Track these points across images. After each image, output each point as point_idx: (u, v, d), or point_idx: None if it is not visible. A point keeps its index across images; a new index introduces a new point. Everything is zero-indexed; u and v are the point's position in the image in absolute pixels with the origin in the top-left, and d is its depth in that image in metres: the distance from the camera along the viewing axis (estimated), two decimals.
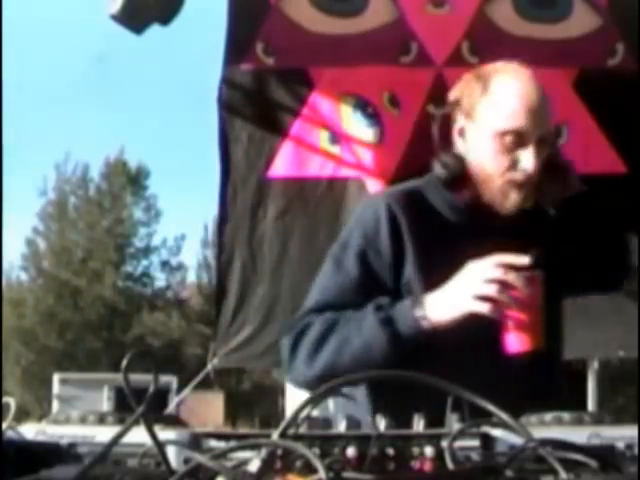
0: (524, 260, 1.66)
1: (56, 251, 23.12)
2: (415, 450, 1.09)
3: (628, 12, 3.95)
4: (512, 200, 1.82)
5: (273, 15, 4.10)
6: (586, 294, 1.92)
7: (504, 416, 1.10)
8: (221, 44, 4.09)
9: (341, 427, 1.16)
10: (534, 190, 1.82)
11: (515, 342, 1.67)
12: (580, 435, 1.15)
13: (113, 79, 34.23)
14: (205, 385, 4.86)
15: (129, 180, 23.62)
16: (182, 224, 43.95)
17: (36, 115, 34.73)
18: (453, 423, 1.17)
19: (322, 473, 0.97)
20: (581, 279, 1.89)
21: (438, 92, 4.05)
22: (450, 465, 1.05)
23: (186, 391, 4.68)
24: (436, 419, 1.19)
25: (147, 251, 24.20)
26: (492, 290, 1.66)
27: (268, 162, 4.10)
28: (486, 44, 4.04)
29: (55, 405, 12.26)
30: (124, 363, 1.10)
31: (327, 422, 1.18)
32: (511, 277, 1.66)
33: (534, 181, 1.81)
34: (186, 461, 1.15)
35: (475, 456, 1.10)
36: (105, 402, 11.15)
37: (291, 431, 1.10)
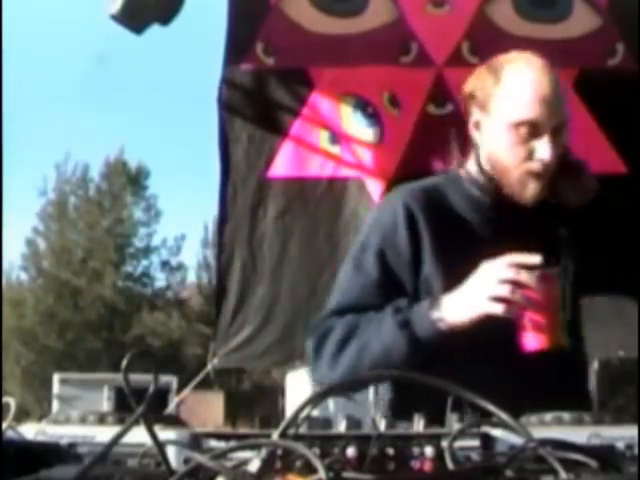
0: (536, 259, 1.66)
1: (56, 251, 23.12)
2: (415, 450, 1.09)
3: (628, 12, 3.95)
4: (531, 190, 1.82)
5: (273, 15, 4.10)
6: (606, 293, 1.90)
7: (504, 416, 1.10)
8: (221, 44, 4.09)
9: (341, 427, 1.17)
10: (552, 183, 1.82)
11: (532, 340, 1.66)
12: (580, 435, 1.15)
13: (113, 79, 34.27)
14: (205, 385, 4.86)
15: (129, 180, 23.62)
16: (182, 224, 44.01)
17: (36, 115, 34.74)
18: (453, 423, 1.18)
19: (322, 473, 0.97)
20: (600, 278, 1.87)
21: (438, 92, 4.06)
22: (450, 465, 1.05)
23: (186, 391, 4.68)
24: (435, 419, 1.20)
25: (147, 251, 24.20)
26: (505, 290, 1.66)
27: (268, 162, 4.10)
28: (486, 44, 4.04)
29: (55, 405, 12.25)
30: (124, 363, 1.10)
31: (327, 422, 1.18)
32: (523, 276, 1.65)
33: (551, 170, 1.81)
34: (186, 461, 1.15)
35: (475, 456, 1.10)
36: (105, 402, 11.15)
37: (291, 431, 1.10)
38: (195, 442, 1.19)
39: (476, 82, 1.90)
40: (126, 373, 1.10)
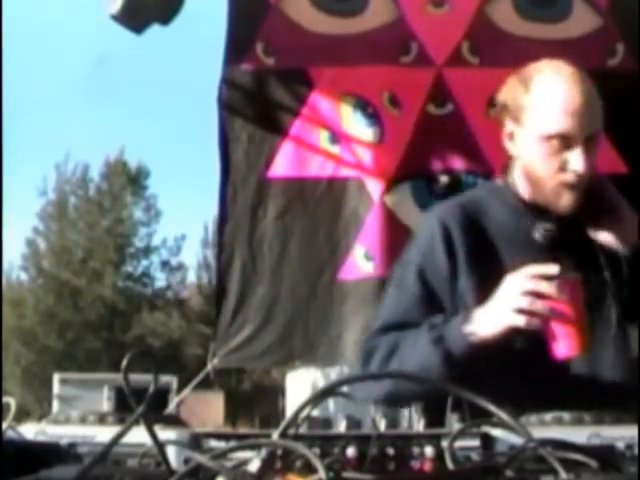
0: (554, 269, 1.66)
1: (56, 251, 23.10)
2: (415, 450, 1.09)
3: (628, 12, 3.95)
4: (566, 201, 1.82)
5: (273, 15, 4.10)
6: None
7: (504, 416, 1.10)
8: (221, 44, 4.10)
9: (341, 427, 1.17)
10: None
11: (561, 348, 1.67)
12: (580, 435, 1.15)
13: (113, 79, 34.22)
14: (205, 385, 4.85)
15: (129, 180, 23.60)
16: (182, 224, 43.94)
17: (36, 115, 34.72)
18: (453, 423, 1.18)
19: (322, 473, 0.97)
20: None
21: (438, 92, 4.06)
22: (450, 465, 1.05)
23: (186, 391, 4.68)
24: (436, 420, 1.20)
25: (147, 251, 24.18)
26: (526, 302, 1.67)
27: (268, 162, 4.10)
28: (486, 44, 4.05)
29: (55, 405, 12.24)
30: (124, 363, 1.10)
31: (327, 422, 1.19)
32: (543, 286, 1.66)
33: (586, 180, 1.81)
34: (186, 461, 1.15)
35: (475, 456, 1.10)
36: (105, 402, 11.14)
37: (291, 431, 1.10)
38: (195, 442, 1.19)
39: (507, 93, 1.90)
40: (126, 373, 1.10)
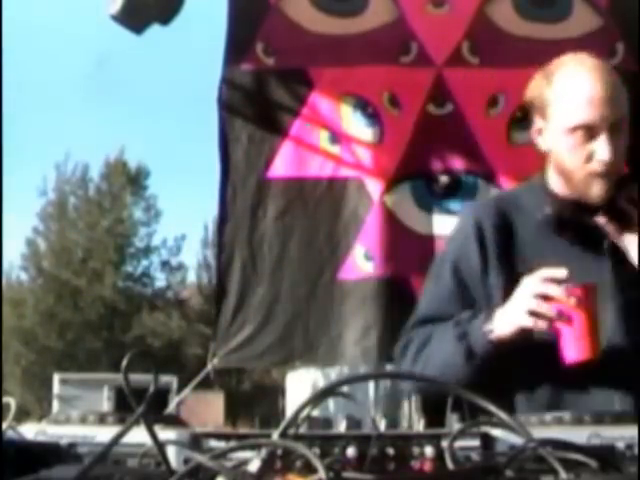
0: (562, 273, 1.67)
1: (56, 251, 23.10)
2: (415, 450, 1.09)
3: (628, 12, 3.95)
4: (596, 191, 1.84)
5: (273, 15, 4.10)
6: None
7: (504, 416, 1.10)
8: (221, 44, 4.09)
9: (341, 427, 1.17)
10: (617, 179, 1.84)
11: (571, 352, 1.67)
12: (580, 435, 1.15)
13: (113, 79, 34.21)
14: (205, 385, 4.85)
15: (129, 180, 23.60)
16: (182, 224, 43.98)
17: (36, 115, 34.71)
18: (453, 423, 1.17)
19: (322, 473, 0.97)
20: None
21: (438, 92, 4.06)
22: (450, 465, 1.05)
23: (186, 391, 4.68)
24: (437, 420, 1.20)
25: (147, 251, 24.18)
26: (536, 305, 1.68)
27: (268, 162, 4.10)
28: (486, 44, 4.05)
29: (55, 405, 12.24)
30: (124, 363, 1.10)
31: (327, 422, 1.19)
32: (552, 290, 1.67)
33: (616, 169, 1.83)
34: (186, 461, 1.15)
35: (475, 456, 1.10)
36: (105, 402, 11.13)
37: (291, 431, 1.10)
38: (195, 442, 1.19)
39: (533, 89, 1.92)
40: (126, 373, 1.10)
